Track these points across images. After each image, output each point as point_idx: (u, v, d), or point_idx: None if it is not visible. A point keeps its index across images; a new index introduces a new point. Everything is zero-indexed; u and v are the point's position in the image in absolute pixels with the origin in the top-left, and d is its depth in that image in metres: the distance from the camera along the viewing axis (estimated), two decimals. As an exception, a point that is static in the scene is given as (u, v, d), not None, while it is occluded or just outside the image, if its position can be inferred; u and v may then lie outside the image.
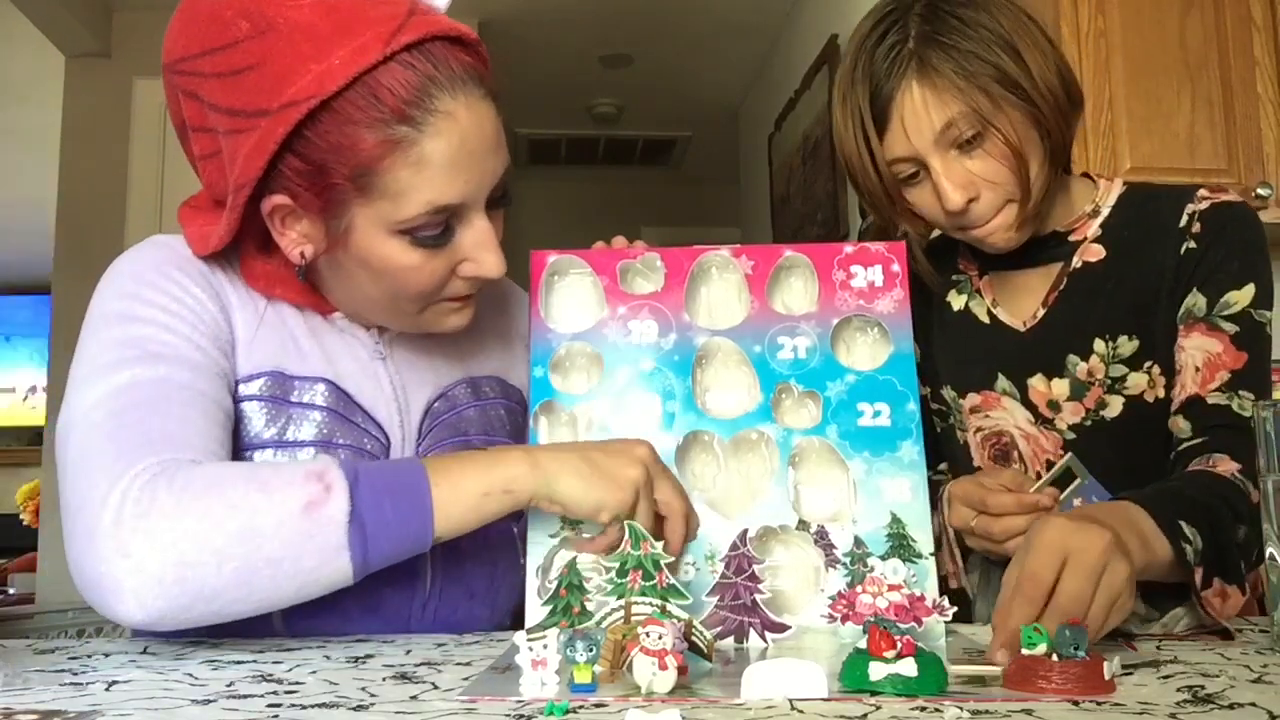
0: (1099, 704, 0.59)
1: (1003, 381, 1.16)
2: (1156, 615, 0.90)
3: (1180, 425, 1.06)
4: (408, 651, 0.84)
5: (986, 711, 0.58)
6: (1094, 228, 1.14)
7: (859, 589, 0.68)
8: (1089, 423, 1.11)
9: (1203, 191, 1.11)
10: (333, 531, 0.81)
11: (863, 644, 0.64)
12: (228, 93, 0.88)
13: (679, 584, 0.76)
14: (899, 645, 0.63)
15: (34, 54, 3.93)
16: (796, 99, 3.86)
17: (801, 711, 0.59)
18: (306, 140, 0.86)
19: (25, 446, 6.44)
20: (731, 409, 0.98)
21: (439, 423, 1.03)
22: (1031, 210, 1.05)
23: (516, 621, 1.01)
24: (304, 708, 0.62)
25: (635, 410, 0.98)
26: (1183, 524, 0.88)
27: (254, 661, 0.80)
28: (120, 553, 0.78)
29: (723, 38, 4.36)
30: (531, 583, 0.91)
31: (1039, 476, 1.12)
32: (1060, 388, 1.12)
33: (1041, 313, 1.14)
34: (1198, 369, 1.06)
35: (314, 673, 0.74)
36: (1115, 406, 1.10)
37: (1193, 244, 1.08)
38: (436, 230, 0.90)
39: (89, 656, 0.84)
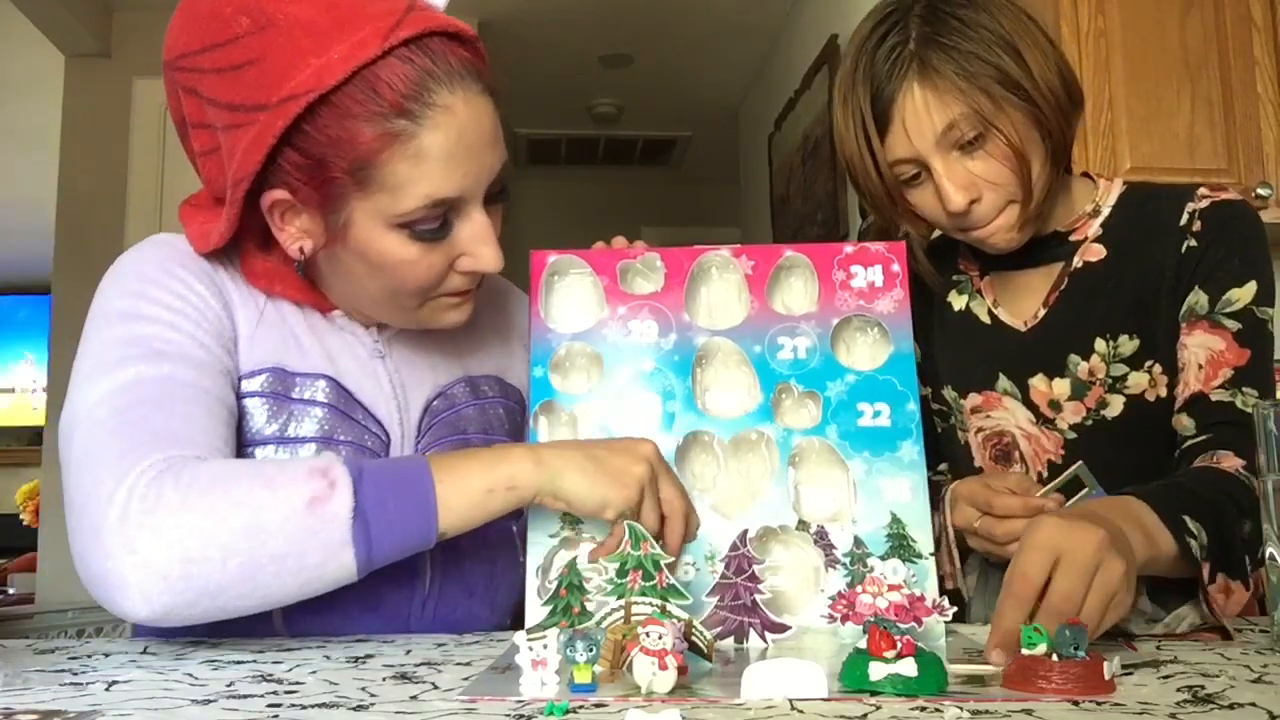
0: (1099, 704, 0.59)
1: (1004, 381, 1.16)
2: (1163, 614, 0.90)
3: (1184, 423, 1.06)
4: (408, 651, 0.84)
5: (986, 711, 0.58)
6: (1094, 227, 1.14)
7: (859, 589, 0.68)
8: (1090, 422, 1.11)
9: (1203, 190, 1.11)
10: (337, 528, 0.81)
11: (863, 644, 0.64)
12: (227, 88, 0.88)
13: (679, 584, 0.76)
14: (899, 645, 0.63)
15: (34, 53, 3.92)
16: (796, 99, 3.86)
17: (801, 711, 0.59)
18: (305, 134, 0.86)
19: (25, 446, 6.44)
20: (731, 409, 0.98)
21: (438, 421, 1.03)
22: (1033, 211, 1.05)
23: (516, 620, 1.01)
24: (304, 708, 0.61)
25: (635, 410, 0.98)
26: (1187, 519, 0.88)
27: (254, 661, 0.80)
28: (126, 549, 0.79)
29: (723, 38, 4.36)
30: (531, 583, 0.91)
31: (1040, 476, 1.12)
32: (1061, 387, 1.12)
33: (1042, 312, 1.14)
34: (1200, 366, 1.06)
35: (314, 673, 0.74)
36: (1116, 406, 1.10)
37: (1193, 242, 1.08)
38: (434, 224, 0.91)
39: (89, 656, 0.84)
